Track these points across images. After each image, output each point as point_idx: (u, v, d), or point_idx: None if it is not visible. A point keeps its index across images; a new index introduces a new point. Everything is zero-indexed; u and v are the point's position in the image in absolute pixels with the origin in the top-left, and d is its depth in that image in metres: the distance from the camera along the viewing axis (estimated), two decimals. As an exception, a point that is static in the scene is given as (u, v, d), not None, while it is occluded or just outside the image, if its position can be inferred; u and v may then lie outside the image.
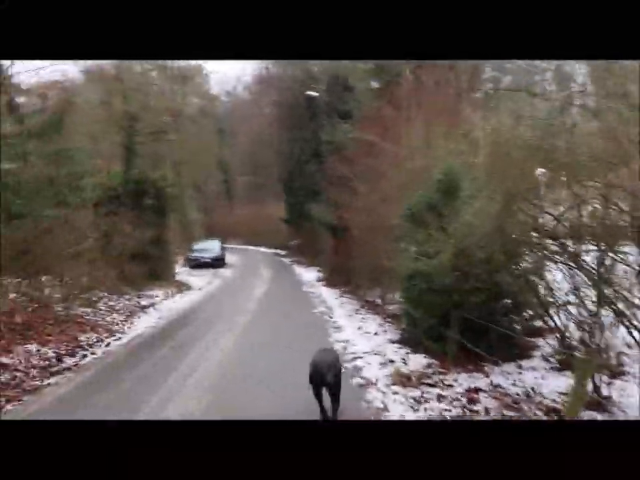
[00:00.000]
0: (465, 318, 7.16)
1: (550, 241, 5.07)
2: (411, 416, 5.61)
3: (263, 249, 42.57)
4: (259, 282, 21.23)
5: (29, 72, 12.48)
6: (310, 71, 30.73)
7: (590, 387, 5.26)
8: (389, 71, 17.51)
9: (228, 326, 11.50)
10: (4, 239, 9.69)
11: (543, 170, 7.17)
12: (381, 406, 6.00)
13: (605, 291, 5.00)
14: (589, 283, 5.28)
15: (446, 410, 5.64)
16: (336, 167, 16.88)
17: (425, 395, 6.13)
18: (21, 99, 16.38)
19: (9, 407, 6.31)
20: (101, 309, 12.86)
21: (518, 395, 5.92)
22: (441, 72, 13.13)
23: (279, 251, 38.83)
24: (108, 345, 9.79)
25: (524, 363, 7.03)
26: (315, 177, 27.66)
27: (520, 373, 6.66)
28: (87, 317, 11.66)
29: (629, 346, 5.97)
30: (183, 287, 19.49)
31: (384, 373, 7.20)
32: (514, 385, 6.21)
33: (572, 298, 6.11)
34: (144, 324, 12.03)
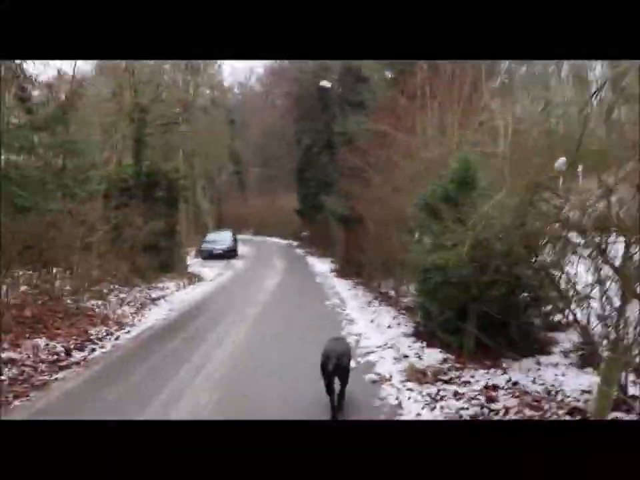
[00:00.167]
0: (482, 312, 6.93)
1: (574, 233, 4.81)
2: (426, 415, 5.41)
3: (275, 240, 42.42)
4: (272, 273, 21.10)
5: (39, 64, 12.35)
6: (322, 62, 30.42)
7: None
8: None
9: (239, 317, 11.37)
10: (10, 232, 9.59)
11: (564, 159, 6.92)
12: (395, 403, 5.82)
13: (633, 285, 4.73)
14: (615, 277, 5.02)
15: (463, 408, 5.42)
16: (348, 158, 16.65)
17: (441, 392, 5.91)
18: (35, 92, 16.40)
19: (16, 402, 6.19)
20: (111, 302, 12.74)
21: (538, 393, 5.68)
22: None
23: (291, 242, 38.70)
24: (117, 338, 9.67)
25: (543, 358, 6.78)
26: (327, 168, 27.49)
27: (539, 370, 6.41)
28: (97, 310, 11.54)
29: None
30: (194, 279, 19.38)
31: (398, 368, 7.01)
32: (533, 382, 5.96)
33: (595, 292, 5.86)
34: (155, 316, 11.91)
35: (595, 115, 4.56)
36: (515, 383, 5.94)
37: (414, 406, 5.66)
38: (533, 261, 6.82)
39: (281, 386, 6.56)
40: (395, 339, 8.64)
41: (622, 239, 5.02)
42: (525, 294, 7.16)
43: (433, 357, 7.27)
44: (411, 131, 11.49)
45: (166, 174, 19.88)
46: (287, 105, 43.51)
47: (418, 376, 6.48)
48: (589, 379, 5.84)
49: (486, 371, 6.50)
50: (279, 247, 37.74)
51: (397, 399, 5.92)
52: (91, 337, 9.43)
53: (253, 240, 42.77)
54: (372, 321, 10.41)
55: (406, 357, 7.50)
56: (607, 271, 5.39)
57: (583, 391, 5.55)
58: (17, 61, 11.04)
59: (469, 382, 6.18)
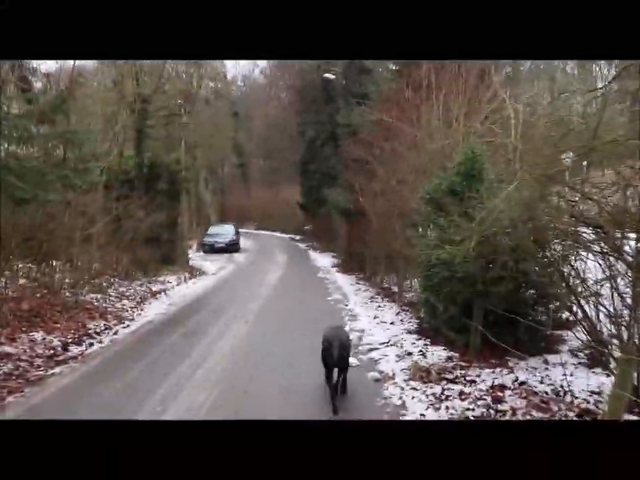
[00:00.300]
0: (488, 308, 6.75)
1: (589, 228, 4.60)
2: (431, 415, 5.24)
3: (278, 234, 42.25)
4: (274, 267, 20.95)
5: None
6: (326, 53, 30.11)
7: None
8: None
9: (241, 313, 11.20)
10: (9, 223, 9.43)
11: (571, 154, 6.75)
12: (399, 403, 5.65)
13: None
14: (628, 274, 4.82)
15: (469, 409, 5.25)
16: (352, 150, 16.44)
17: (445, 392, 5.74)
18: (37, 83, 16.23)
19: (10, 398, 6.03)
20: (111, 295, 12.59)
21: (546, 393, 5.51)
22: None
23: (294, 236, 38.54)
24: (116, 332, 9.51)
25: (550, 357, 6.60)
26: (330, 160, 27.30)
27: (547, 369, 6.24)
28: (96, 304, 11.40)
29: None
30: (196, 272, 19.23)
31: (401, 366, 6.83)
32: (541, 382, 5.79)
33: (606, 289, 5.67)
34: (154, 310, 11.74)
35: (611, 104, 4.36)
36: (523, 383, 5.77)
37: (418, 406, 5.49)
38: (541, 256, 6.64)
39: (282, 382, 6.41)
40: (398, 335, 8.47)
41: (633, 234, 4.85)
42: (532, 290, 6.96)
43: (437, 354, 7.11)
44: (416, 122, 11.27)
45: (168, 166, 19.71)
46: (290, 97, 43.32)
47: (422, 374, 6.31)
48: (598, 380, 5.68)
49: (492, 370, 6.32)
50: (281, 240, 37.59)
51: (400, 398, 5.75)
52: (89, 331, 9.29)
53: (255, 234, 42.61)
54: (375, 317, 10.23)
55: (409, 354, 7.33)
56: (618, 266, 5.22)
57: (593, 392, 5.40)
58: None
59: (474, 381, 6.00)
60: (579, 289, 6.23)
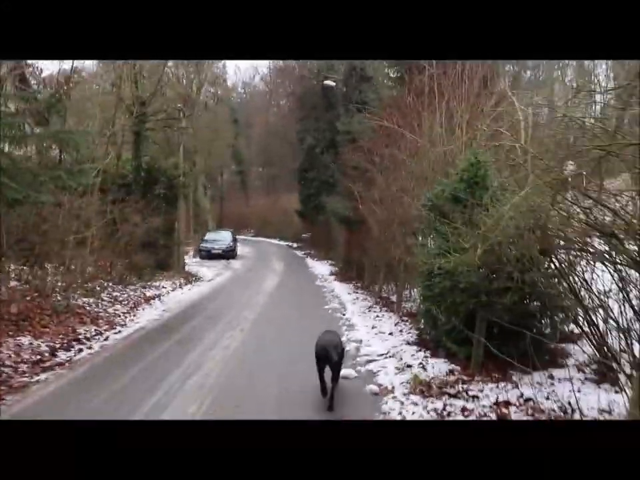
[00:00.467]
0: (490, 320, 6.50)
1: (601, 237, 4.37)
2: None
3: (275, 241, 42.02)
4: (271, 274, 20.71)
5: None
6: (327, 61, 30.14)
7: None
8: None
9: (236, 321, 10.95)
10: (2, 224, 9.18)
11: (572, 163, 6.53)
12: (399, 418, 5.38)
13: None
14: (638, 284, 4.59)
15: (472, 426, 4.98)
16: (352, 157, 16.24)
17: (447, 408, 5.47)
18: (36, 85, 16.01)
19: (-11, 406, 5.76)
20: (104, 300, 12.31)
21: (554, 410, 5.24)
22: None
23: (291, 244, 38.33)
24: (107, 338, 9.24)
25: (556, 372, 6.33)
26: (329, 168, 27.17)
27: (553, 384, 5.96)
28: (88, 308, 11.12)
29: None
30: (191, 278, 18.98)
31: (401, 379, 6.56)
32: (547, 398, 5.52)
33: (615, 300, 5.44)
34: (147, 316, 11.47)
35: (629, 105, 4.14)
36: (528, 400, 5.50)
37: (418, 422, 5.22)
38: (547, 266, 6.42)
39: (277, 395, 6.15)
40: (397, 346, 8.21)
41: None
42: (537, 302, 6.71)
43: (438, 367, 6.84)
44: (417, 129, 11.06)
45: (166, 170, 19.47)
46: (290, 105, 43.26)
47: (422, 388, 6.05)
48: (608, 397, 5.42)
49: (495, 385, 6.05)
50: (278, 248, 37.37)
51: (400, 413, 5.48)
52: (79, 337, 9.01)
53: (253, 241, 42.38)
54: (373, 327, 9.97)
55: (409, 366, 7.07)
56: (631, 277, 4.98)
57: (602, 410, 5.13)
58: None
59: (477, 396, 5.73)
60: (587, 300, 6.01)
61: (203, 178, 37.77)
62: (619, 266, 4.70)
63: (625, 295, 4.99)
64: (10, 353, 7.48)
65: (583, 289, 5.98)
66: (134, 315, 11.50)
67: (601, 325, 5.98)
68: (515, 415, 5.19)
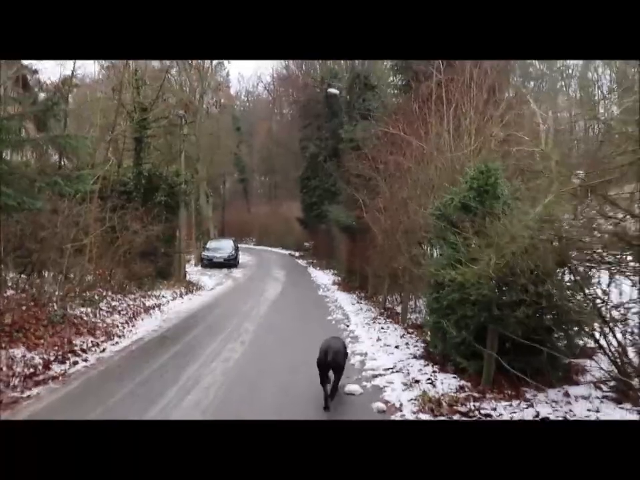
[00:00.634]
0: (502, 334, 6.21)
1: (626, 249, 4.10)
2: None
3: (277, 250, 41.75)
4: (272, 283, 20.43)
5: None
6: (331, 69, 30.03)
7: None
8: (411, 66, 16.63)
9: (237, 332, 10.65)
10: (-1, 232, 8.95)
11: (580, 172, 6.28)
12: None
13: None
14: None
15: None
16: (356, 165, 15.99)
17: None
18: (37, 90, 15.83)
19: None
20: (102, 309, 12.01)
21: (572, 432, 4.93)
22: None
23: (293, 252, 38.07)
24: (103, 350, 8.96)
25: (571, 389, 6.03)
26: (332, 176, 26.95)
27: (569, 403, 5.66)
28: (85, 318, 10.82)
29: None
30: (192, 287, 18.67)
31: (408, 396, 6.25)
32: (565, 419, 5.22)
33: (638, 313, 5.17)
34: (146, 327, 11.20)
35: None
36: (545, 419, 5.19)
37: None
38: (560, 277, 6.14)
39: (277, 414, 5.85)
40: (403, 360, 7.90)
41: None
42: (550, 315, 6.41)
43: (447, 383, 6.55)
44: (424, 136, 10.81)
45: (167, 178, 19.24)
46: (293, 113, 43.14)
47: (432, 406, 5.74)
48: (628, 416, 5.13)
49: (508, 403, 5.75)
50: (280, 256, 37.06)
51: (408, 433, 5.18)
52: (75, 348, 8.71)
53: (255, 249, 42.12)
54: (378, 340, 9.65)
55: (417, 382, 6.76)
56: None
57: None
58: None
59: (490, 415, 5.43)
60: (604, 314, 5.72)
61: (205, 186, 37.54)
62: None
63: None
64: (2, 366, 7.19)
65: (600, 301, 5.71)
66: (132, 326, 11.22)
67: (620, 339, 5.71)
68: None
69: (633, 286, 4.94)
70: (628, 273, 4.55)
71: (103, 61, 19.56)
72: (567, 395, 5.87)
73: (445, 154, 9.66)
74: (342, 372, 6.28)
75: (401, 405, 5.98)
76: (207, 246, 30.24)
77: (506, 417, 5.34)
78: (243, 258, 31.56)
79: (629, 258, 4.35)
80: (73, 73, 14.29)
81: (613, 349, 5.82)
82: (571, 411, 5.39)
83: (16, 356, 7.64)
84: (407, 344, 9.06)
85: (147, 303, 14.07)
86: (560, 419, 5.21)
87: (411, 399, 6.09)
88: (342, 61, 29.69)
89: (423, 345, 8.65)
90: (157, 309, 13.61)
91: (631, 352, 5.63)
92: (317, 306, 14.85)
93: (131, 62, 17.58)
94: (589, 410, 5.36)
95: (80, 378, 7.32)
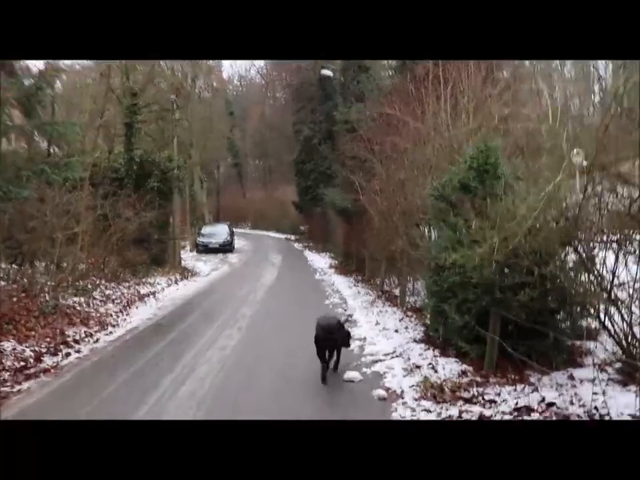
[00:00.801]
0: (504, 317, 6.05)
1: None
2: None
3: (273, 234, 41.53)
4: (269, 268, 20.27)
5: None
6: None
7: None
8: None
9: (233, 319, 10.48)
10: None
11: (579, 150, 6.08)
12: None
13: None
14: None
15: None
16: (351, 147, 15.72)
17: (463, 415, 5.01)
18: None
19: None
20: (95, 298, 11.82)
21: (579, 416, 4.79)
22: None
23: (289, 236, 37.89)
24: (97, 340, 8.78)
25: (576, 372, 5.89)
26: (327, 159, 26.70)
27: (574, 386, 5.51)
28: (79, 308, 10.63)
29: None
30: (187, 274, 18.49)
31: (410, 382, 6.10)
32: (571, 403, 5.06)
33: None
34: (141, 315, 11.02)
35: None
36: (551, 404, 5.04)
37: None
38: (563, 258, 5.97)
39: (276, 404, 5.69)
40: (403, 345, 7.74)
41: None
42: (555, 297, 6.24)
43: (448, 368, 6.39)
44: (420, 115, 10.56)
45: (159, 164, 18.94)
46: (286, 96, 42.67)
47: (434, 392, 5.59)
48: (635, 400, 4.98)
49: (513, 387, 5.59)
50: (276, 240, 36.86)
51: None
52: (67, 339, 8.54)
53: (251, 234, 41.89)
54: (377, 324, 9.49)
55: (418, 367, 6.61)
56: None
57: (632, 416, 4.68)
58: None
59: (494, 401, 5.28)
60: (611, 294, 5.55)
61: (199, 171, 37.19)
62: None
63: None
64: (-9, 359, 7.02)
65: (605, 281, 5.55)
66: (127, 314, 11.05)
67: (625, 319, 5.55)
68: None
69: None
70: (638, 252, 4.35)
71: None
72: (571, 377, 5.73)
73: (442, 133, 9.43)
74: (335, 349, 6.49)
75: (402, 391, 5.83)
76: (202, 231, 30.02)
77: (510, 402, 5.19)
78: (238, 243, 31.36)
79: (638, 237, 4.16)
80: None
81: (617, 330, 5.67)
82: (576, 394, 5.23)
83: (6, 349, 7.46)
84: (406, 328, 8.91)
85: (142, 291, 13.90)
86: (566, 403, 5.06)
87: (412, 385, 5.93)
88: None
89: (422, 328, 8.50)
90: (151, 296, 13.43)
91: (637, 333, 5.47)
92: (314, 290, 14.69)
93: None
94: (594, 393, 5.19)
95: (73, 370, 7.15)
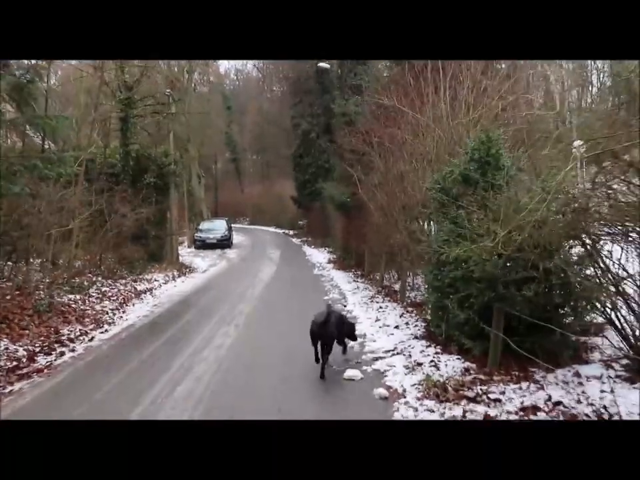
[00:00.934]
0: (507, 312, 5.88)
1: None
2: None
3: (271, 229, 41.37)
4: (267, 263, 20.11)
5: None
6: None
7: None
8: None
9: (230, 315, 10.32)
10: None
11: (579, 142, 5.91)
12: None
13: None
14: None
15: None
16: (349, 140, 15.53)
17: (467, 415, 4.85)
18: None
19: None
20: (91, 296, 11.66)
21: (587, 416, 4.64)
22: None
23: (287, 231, 37.73)
24: (92, 339, 8.61)
25: (582, 369, 5.72)
26: (326, 153, 26.51)
27: (581, 384, 5.35)
28: (74, 306, 10.47)
29: None
30: (185, 270, 18.32)
31: (412, 380, 5.94)
32: (578, 401, 4.91)
33: None
34: (138, 313, 10.85)
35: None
36: (558, 403, 4.88)
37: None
38: (568, 252, 5.80)
39: (273, 405, 5.53)
40: (404, 342, 7.59)
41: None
42: (560, 292, 6.08)
43: (451, 365, 6.24)
44: (420, 106, 10.37)
45: (156, 159, 18.74)
46: (284, 90, 42.40)
47: (437, 391, 5.43)
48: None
49: (517, 385, 5.43)
50: (274, 235, 36.71)
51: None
52: (62, 338, 8.38)
53: (249, 229, 41.72)
54: (377, 320, 9.33)
55: (419, 364, 6.45)
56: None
57: (644, 415, 4.53)
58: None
59: (499, 400, 5.11)
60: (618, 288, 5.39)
61: (197, 166, 36.96)
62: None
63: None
64: (-18, 359, 6.86)
65: (611, 274, 5.38)
66: (123, 312, 10.88)
67: (633, 314, 5.39)
68: (546, 423, 4.58)
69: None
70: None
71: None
72: (577, 375, 5.57)
73: (442, 125, 9.25)
74: (327, 343, 6.42)
75: (404, 390, 5.66)
76: (200, 227, 29.87)
77: (516, 401, 5.03)
78: (236, 238, 31.19)
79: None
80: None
81: (624, 325, 5.51)
82: (584, 392, 5.07)
83: (-2, 348, 7.31)
84: (406, 323, 8.75)
85: (139, 288, 13.73)
86: (573, 402, 4.90)
87: (414, 384, 5.77)
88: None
89: (423, 324, 8.34)
90: (148, 293, 13.27)
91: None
92: (313, 285, 14.53)
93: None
94: (602, 391, 5.04)
95: (66, 370, 6.98)
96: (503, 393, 5.27)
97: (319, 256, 22.77)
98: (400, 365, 6.54)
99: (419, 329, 8.18)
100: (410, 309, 9.84)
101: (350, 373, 6.35)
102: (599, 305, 5.80)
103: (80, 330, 8.98)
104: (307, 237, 31.97)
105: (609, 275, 5.07)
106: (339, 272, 17.19)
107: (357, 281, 14.83)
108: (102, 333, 9.09)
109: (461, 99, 9.61)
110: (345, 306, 11.03)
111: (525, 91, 6.20)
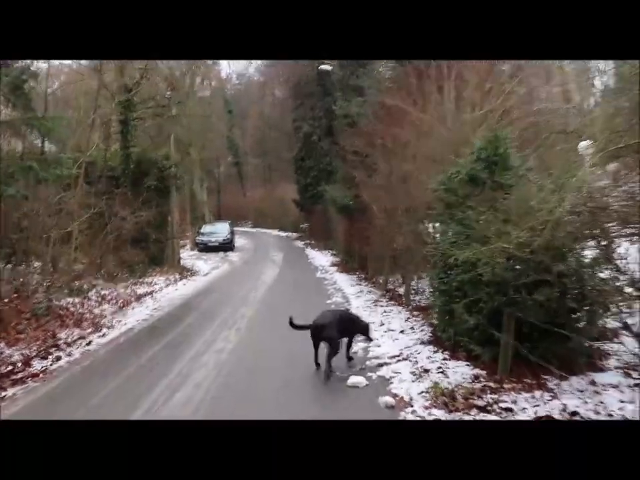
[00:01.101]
0: (518, 317, 5.65)
1: None
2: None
3: (274, 232, 41.19)
4: (269, 266, 19.91)
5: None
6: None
7: None
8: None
9: (232, 319, 10.11)
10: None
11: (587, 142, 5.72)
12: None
13: None
14: None
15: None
16: (352, 142, 15.32)
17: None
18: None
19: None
20: (90, 299, 11.46)
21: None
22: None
23: (290, 234, 37.57)
24: (89, 343, 8.41)
25: (597, 377, 5.49)
26: (327, 156, 26.34)
27: (597, 393, 5.12)
28: (72, 309, 10.27)
29: None
30: (186, 273, 18.13)
31: (419, 388, 5.70)
32: (596, 412, 4.68)
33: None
34: (137, 317, 10.65)
35: None
36: (575, 413, 4.65)
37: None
38: (582, 254, 5.57)
39: (275, 413, 5.32)
40: (410, 347, 7.36)
41: None
42: (574, 295, 5.84)
43: (459, 372, 6.00)
44: (425, 105, 10.17)
45: (156, 162, 18.56)
46: (285, 93, 42.25)
47: (445, 400, 5.20)
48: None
49: (530, 394, 5.20)
50: (277, 238, 36.52)
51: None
52: (59, 342, 8.18)
53: (251, 232, 41.56)
54: (381, 324, 9.10)
55: (426, 371, 6.23)
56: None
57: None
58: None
59: (511, 409, 4.89)
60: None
61: (199, 170, 36.79)
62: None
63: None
64: (-24, 365, 6.66)
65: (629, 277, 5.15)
66: (122, 315, 10.68)
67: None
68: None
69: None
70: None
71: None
72: (593, 383, 5.34)
73: (446, 124, 9.04)
74: (334, 345, 6.42)
75: (411, 398, 5.43)
76: (202, 230, 29.74)
77: (530, 410, 4.80)
78: (239, 241, 31.04)
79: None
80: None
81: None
82: (601, 402, 4.85)
83: (-7, 353, 7.11)
84: (412, 328, 8.53)
85: (139, 291, 13.53)
86: (590, 412, 4.67)
87: (422, 392, 5.54)
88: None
89: (429, 328, 8.11)
90: (149, 296, 13.06)
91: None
92: (316, 289, 14.30)
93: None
94: (621, 401, 4.82)
95: (62, 375, 6.79)
96: (514, 402, 5.04)
97: (321, 259, 22.57)
98: (406, 372, 6.32)
99: (425, 334, 7.95)
100: (415, 312, 9.62)
101: (354, 379, 6.13)
102: (615, 309, 5.58)
103: (78, 334, 8.81)
104: (309, 239, 31.79)
105: (626, 277, 4.83)
106: (342, 275, 16.98)
107: (361, 284, 14.61)
108: (100, 337, 8.90)
109: (466, 97, 9.41)
110: (348, 309, 10.79)
111: (544, 81, 6.01)
